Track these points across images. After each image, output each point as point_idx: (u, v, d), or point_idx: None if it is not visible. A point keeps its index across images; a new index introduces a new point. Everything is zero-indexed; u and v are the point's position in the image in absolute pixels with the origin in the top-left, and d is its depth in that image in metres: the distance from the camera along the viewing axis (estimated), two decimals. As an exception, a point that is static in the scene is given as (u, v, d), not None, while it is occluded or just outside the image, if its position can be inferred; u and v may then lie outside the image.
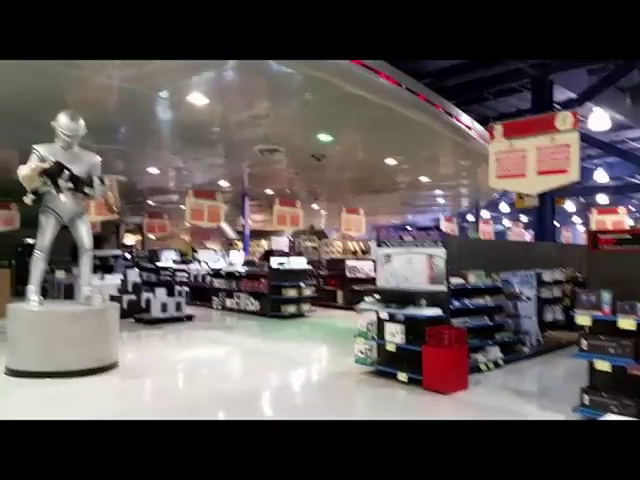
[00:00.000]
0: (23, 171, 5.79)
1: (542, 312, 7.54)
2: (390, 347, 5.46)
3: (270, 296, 10.94)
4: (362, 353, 5.79)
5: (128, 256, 17.07)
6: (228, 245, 22.15)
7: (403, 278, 5.69)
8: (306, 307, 11.18)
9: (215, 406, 4.92)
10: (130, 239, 26.64)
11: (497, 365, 6.14)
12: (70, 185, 6.00)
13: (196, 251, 15.89)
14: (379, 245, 6.08)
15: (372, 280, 9.83)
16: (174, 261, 15.36)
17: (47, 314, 5.97)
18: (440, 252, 5.45)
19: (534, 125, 5.93)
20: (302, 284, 11.08)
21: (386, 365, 5.64)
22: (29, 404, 4.90)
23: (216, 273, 12.84)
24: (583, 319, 4.25)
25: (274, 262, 11.08)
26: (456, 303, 5.61)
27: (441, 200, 19.26)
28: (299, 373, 6.67)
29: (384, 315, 5.55)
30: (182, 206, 20.38)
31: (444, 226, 16.93)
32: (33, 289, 6.15)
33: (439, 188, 16.46)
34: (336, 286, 12.69)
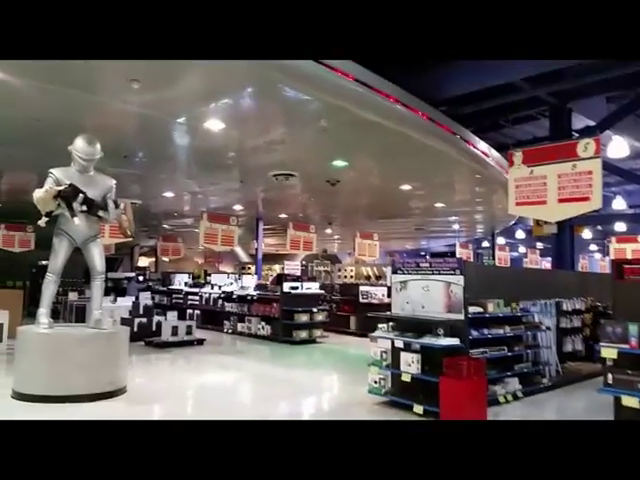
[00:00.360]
0: (38, 194, 5.81)
1: (561, 342, 7.32)
2: (405, 377, 5.28)
3: (282, 321, 10.81)
4: (376, 383, 5.61)
5: (141, 278, 17.09)
6: (241, 268, 22.10)
7: (419, 306, 5.55)
8: (318, 333, 11.01)
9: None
10: (144, 261, 26.77)
11: (516, 397, 5.93)
12: (84, 208, 6.00)
13: (209, 274, 15.84)
14: (395, 272, 5.95)
15: (386, 306, 9.69)
16: (186, 284, 15.33)
17: (56, 337, 5.90)
18: (458, 280, 5.31)
19: (555, 152, 5.83)
20: (314, 309, 10.94)
21: (401, 396, 5.46)
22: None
23: (228, 297, 12.76)
24: (608, 352, 4.07)
25: (286, 286, 10.97)
26: (474, 333, 5.44)
27: (456, 226, 19.08)
28: (310, 402, 6.49)
29: (399, 344, 5.39)
30: (196, 229, 20.55)
31: (459, 252, 16.73)
32: (43, 311, 6.10)
33: (454, 214, 16.31)
34: (349, 311, 12.52)
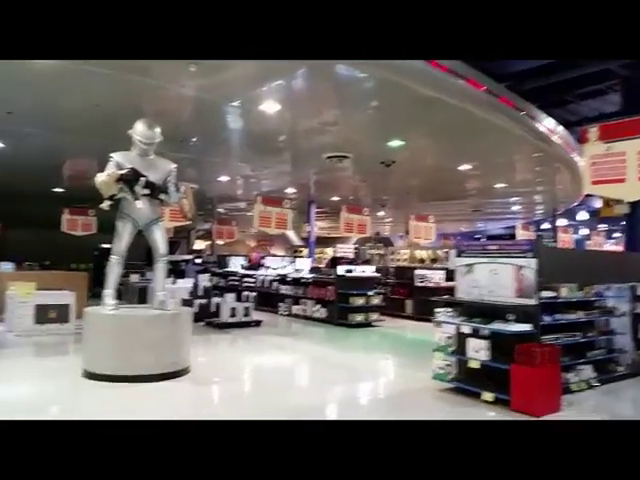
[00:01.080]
0: (100, 178, 5.92)
1: (637, 329, 6.87)
2: (473, 364, 5.08)
3: (337, 304, 10.75)
4: (442, 369, 5.43)
5: (198, 261, 17.43)
6: (293, 252, 22.20)
7: (486, 290, 5.30)
8: (374, 316, 10.87)
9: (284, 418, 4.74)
10: (199, 244, 27.35)
11: (590, 386, 5.61)
12: (146, 191, 6.08)
13: (263, 257, 15.97)
14: (459, 254, 5.72)
15: (444, 290, 9.48)
16: (242, 266, 15.53)
17: (122, 318, 6.05)
18: (530, 263, 5.02)
19: (634, 126, 5.40)
20: (370, 292, 10.80)
21: (467, 383, 5.26)
22: (102, 407, 4.93)
23: (283, 279, 12.82)
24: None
25: (341, 269, 10.88)
26: (547, 318, 5.15)
27: (515, 207, 18.35)
28: (370, 386, 6.39)
29: (466, 329, 5.18)
30: (249, 213, 20.75)
31: (520, 234, 16.09)
32: (109, 293, 6.26)
33: (514, 195, 15.67)
34: (404, 295, 12.31)
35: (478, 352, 5.05)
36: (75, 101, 7.03)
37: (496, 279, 5.27)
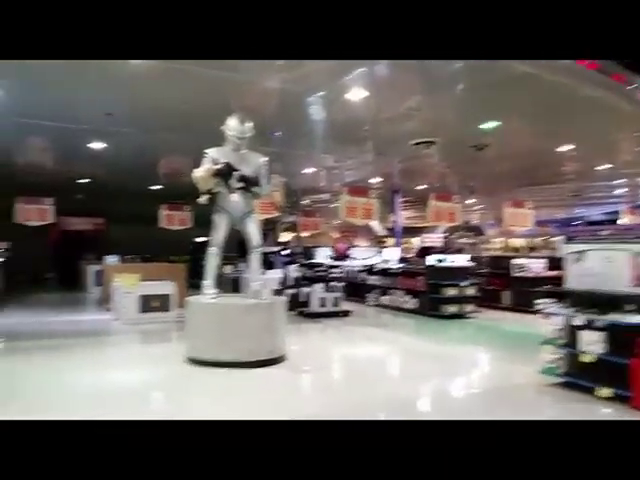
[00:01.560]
0: (197, 173, 6.18)
1: None
2: (587, 358, 4.71)
3: (428, 294, 10.48)
4: (551, 363, 5.09)
5: (285, 252, 17.79)
6: (377, 242, 22.02)
7: (601, 279, 4.88)
8: (468, 307, 10.48)
9: (379, 410, 4.67)
10: (285, 237, 27.93)
11: None
12: (240, 185, 6.24)
13: (349, 248, 15.97)
14: (568, 241, 5.31)
15: (545, 279, 8.92)
16: (328, 257, 15.62)
17: (222, 307, 6.27)
18: (653, 248, 4.55)
19: None
20: (463, 282, 10.42)
21: (579, 377, 4.89)
22: (209, 391, 5.15)
23: (370, 270, 12.73)
24: None
25: (432, 259, 10.59)
26: (671, 309, 4.65)
27: (620, 190, 16.91)
28: (469, 380, 6.15)
29: (578, 321, 4.81)
30: (332, 205, 20.84)
31: (628, 219, 14.81)
32: (209, 283, 6.52)
33: (619, 177, 14.43)
34: (500, 285, 11.75)
35: (592, 345, 4.66)
36: (167, 100, 7.31)
37: (610, 267, 4.83)
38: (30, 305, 12.14)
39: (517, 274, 11.31)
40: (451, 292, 10.30)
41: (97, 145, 10.13)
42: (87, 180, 14.73)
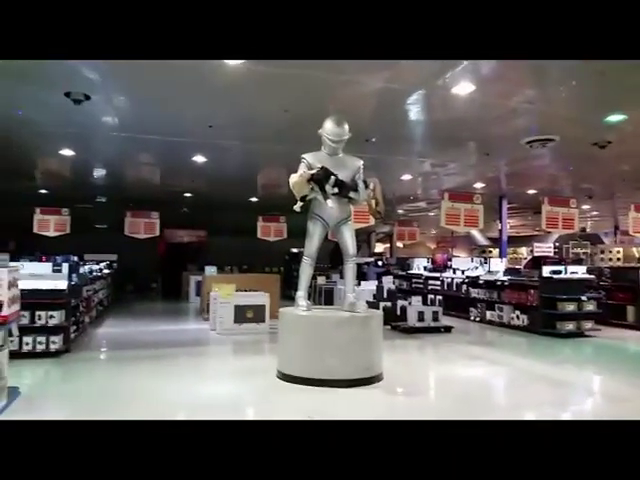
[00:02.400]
0: (293, 179, 5.89)
1: None
2: None
3: (541, 310, 9.43)
4: None
5: (379, 263, 17.30)
6: (480, 252, 20.77)
7: None
8: (588, 324, 9.29)
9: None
10: (379, 247, 27.42)
11: None
12: (336, 190, 5.87)
13: (450, 259, 15.10)
14: None
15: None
16: (425, 268, 14.88)
17: (315, 320, 5.91)
18: None
19: None
20: (583, 297, 9.26)
21: None
22: (298, 410, 4.76)
23: (473, 282, 11.82)
24: None
25: (546, 270, 9.53)
26: None
27: None
28: (589, 410, 5.24)
29: None
30: (430, 213, 20.02)
31: None
32: (302, 294, 6.19)
33: None
34: (625, 300, 10.36)
35: None
36: (265, 107, 7.22)
37: None
38: (135, 314, 12.67)
39: (648, 287, 9.91)
40: (569, 307, 9.18)
41: (199, 158, 10.39)
42: (190, 194, 15.31)
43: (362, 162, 6.21)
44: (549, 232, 14.85)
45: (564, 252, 16.47)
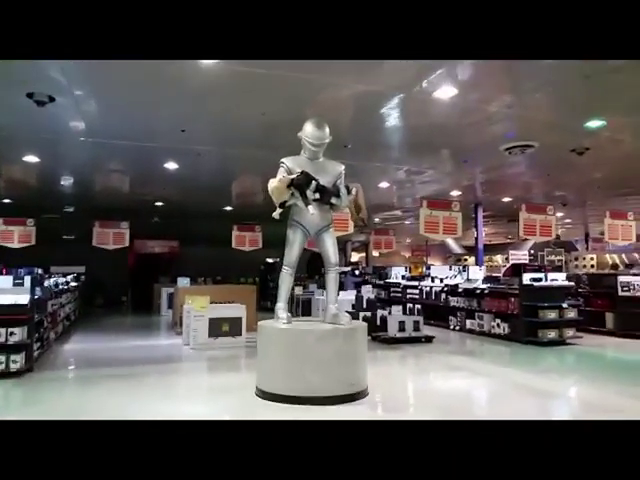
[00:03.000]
0: (272, 184, 5.59)
1: None
2: None
3: (522, 318, 9.34)
4: None
5: (357, 272, 17.11)
6: (455, 261, 20.80)
7: None
8: (569, 332, 9.24)
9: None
10: (354, 257, 27.29)
11: None
12: (317, 196, 5.61)
13: (429, 267, 15.01)
14: None
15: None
16: (403, 277, 14.74)
17: (297, 333, 5.59)
18: None
19: None
20: (564, 304, 9.20)
21: None
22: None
23: (452, 290, 11.71)
24: None
25: (526, 278, 9.45)
26: None
27: None
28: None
29: None
30: (406, 222, 19.97)
31: None
32: (282, 306, 5.88)
33: None
34: (603, 307, 10.38)
35: None
36: (241, 110, 6.96)
37: None
38: (104, 329, 12.12)
39: (625, 293, 9.93)
40: (550, 315, 9.11)
41: (172, 165, 10.03)
42: (161, 203, 14.84)
43: (344, 167, 5.98)
44: (525, 239, 14.90)
45: (539, 259, 16.60)
